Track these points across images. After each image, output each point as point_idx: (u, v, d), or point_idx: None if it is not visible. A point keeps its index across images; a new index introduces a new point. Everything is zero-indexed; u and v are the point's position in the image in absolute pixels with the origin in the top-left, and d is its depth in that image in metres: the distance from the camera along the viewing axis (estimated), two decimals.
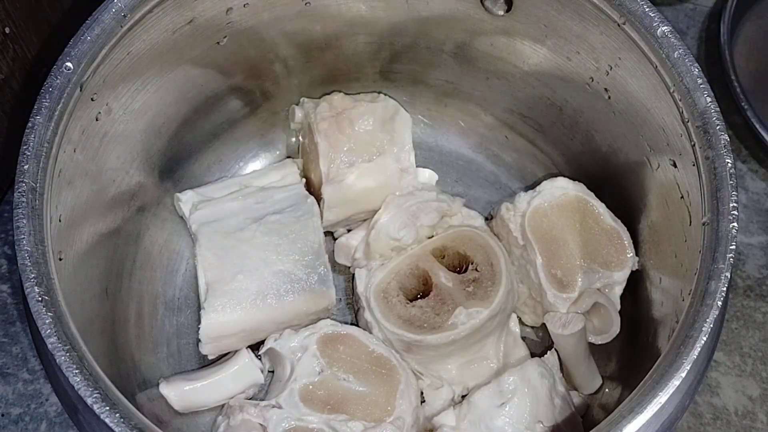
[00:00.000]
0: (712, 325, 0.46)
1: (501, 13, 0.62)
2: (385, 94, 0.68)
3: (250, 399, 0.62)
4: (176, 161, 0.68)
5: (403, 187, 0.66)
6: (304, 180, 0.68)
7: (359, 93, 0.70)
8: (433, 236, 0.65)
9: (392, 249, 0.63)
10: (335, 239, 0.68)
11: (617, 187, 0.65)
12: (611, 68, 0.59)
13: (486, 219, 0.70)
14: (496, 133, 0.73)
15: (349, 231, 0.68)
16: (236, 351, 0.63)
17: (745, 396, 0.68)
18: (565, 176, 0.65)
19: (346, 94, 0.68)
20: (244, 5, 0.61)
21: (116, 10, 0.53)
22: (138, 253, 0.66)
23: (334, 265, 0.68)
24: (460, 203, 0.66)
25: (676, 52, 0.53)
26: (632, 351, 0.62)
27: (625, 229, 0.63)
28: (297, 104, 0.70)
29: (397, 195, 0.65)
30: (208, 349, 0.62)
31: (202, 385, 0.61)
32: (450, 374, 0.62)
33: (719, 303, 0.47)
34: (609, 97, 0.61)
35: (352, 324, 0.65)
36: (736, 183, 0.50)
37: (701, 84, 0.52)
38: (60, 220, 0.52)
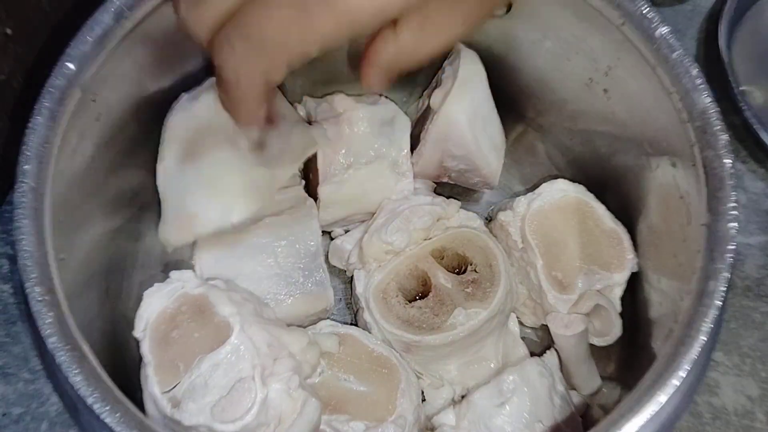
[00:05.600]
0: (711, 325, 0.46)
1: (500, 13, 0.62)
2: (386, 97, 0.69)
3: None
4: None
5: (399, 191, 0.66)
6: (303, 182, 0.69)
7: (361, 95, 0.70)
8: (428, 239, 0.65)
9: (386, 253, 0.64)
10: (332, 239, 0.68)
11: (617, 188, 0.65)
12: (610, 69, 0.59)
13: (485, 219, 0.70)
14: None
15: (346, 232, 0.69)
16: None
17: (744, 396, 0.68)
18: (564, 177, 0.65)
19: (348, 95, 0.68)
20: None
21: (117, 11, 0.53)
22: (139, 252, 0.66)
23: (333, 266, 0.68)
24: (456, 206, 0.66)
25: (675, 53, 0.53)
26: (631, 351, 0.62)
27: (625, 230, 0.63)
28: (299, 103, 0.70)
29: (392, 200, 0.65)
30: None
31: None
32: (450, 375, 0.62)
33: (718, 303, 0.47)
34: (608, 98, 0.61)
35: (351, 325, 0.65)
36: (735, 183, 0.50)
37: (700, 84, 0.52)
38: (61, 220, 0.52)
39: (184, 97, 0.63)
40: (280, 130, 0.64)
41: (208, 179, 0.59)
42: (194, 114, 0.61)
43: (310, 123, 0.68)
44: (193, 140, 0.61)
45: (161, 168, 0.61)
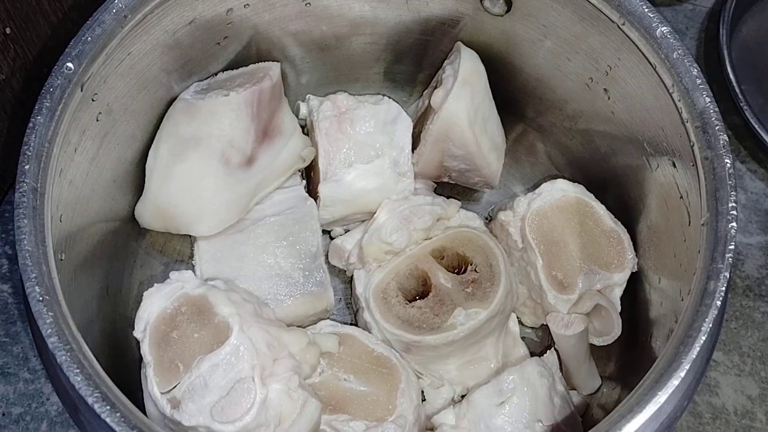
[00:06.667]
0: (711, 325, 0.46)
1: (501, 13, 0.62)
2: (389, 97, 0.69)
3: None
4: None
5: (399, 191, 0.66)
6: (304, 182, 0.69)
7: (364, 94, 0.70)
8: (428, 239, 0.65)
9: (386, 253, 0.63)
10: (332, 239, 0.68)
11: (617, 188, 0.65)
12: (610, 68, 0.59)
13: (486, 219, 0.70)
14: None
15: (346, 231, 0.68)
16: None
17: (744, 395, 0.68)
18: (564, 177, 0.65)
19: (350, 94, 0.68)
20: (245, 6, 0.61)
21: (117, 11, 0.53)
22: (138, 252, 0.66)
23: (333, 266, 0.68)
24: (456, 206, 0.66)
25: (675, 53, 0.53)
26: (631, 351, 0.62)
27: (625, 230, 0.63)
28: (303, 101, 0.70)
29: (392, 200, 0.65)
30: None
31: None
32: (450, 374, 0.62)
33: (718, 303, 0.47)
34: (608, 98, 0.61)
35: (351, 325, 0.65)
36: (735, 183, 0.50)
37: (700, 84, 0.52)
38: (61, 220, 0.52)
39: (193, 87, 0.64)
40: (273, 146, 0.64)
41: (194, 186, 0.61)
42: (197, 112, 0.61)
43: (311, 122, 0.68)
44: (189, 141, 0.61)
45: (153, 155, 0.62)
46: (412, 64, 0.71)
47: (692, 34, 0.84)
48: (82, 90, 0.53)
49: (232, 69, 0.66)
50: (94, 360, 0.46)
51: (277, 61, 0.67)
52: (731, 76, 0.76)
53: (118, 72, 0.56)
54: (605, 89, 0.61)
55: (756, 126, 0.74)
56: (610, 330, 0.62)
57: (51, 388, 0.65)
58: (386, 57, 0.70)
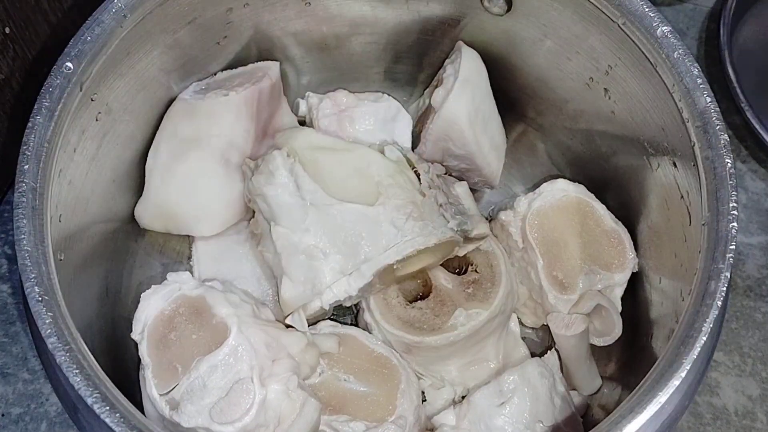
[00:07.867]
0: (711, 325, 0.46)
1: (501, 13, 0.62)
2: (389, 95, 0.68)
3: None
4: None
5: None
6: None
7: (363, 92, 0.70)
8: None
9: None
10: None
11: (617, 188, 0.65)
12: (611, 68, 0.59)
13: (486, 219, 0.70)
14: None
15: None
16: None
17: (745, 396, 0.68)
18: (565, 177, 0.65)
19: (350, 92, 0.68)
20: (245, 6, 0.61)
21: (117, 11, 0.53)
22: (138, 253, 0.66)
23: None
24: None
25: (676, 52, 0.53)
26: (632, 351, 0.62)
27: (626, 230, 0.63)
28: (303, 98, 0.70)
29: None
30: None
31: None
32: (450, 375, 0.62)
33: (719, 303, 0.47)
34: (609, 97, 0.61)
35: (351, 325, 0.65)
36: (736, 183, 0.50)
37: (701, 84, 0.52)
38: (60, 220, 0.52)
39: (192, 87, 0.64)
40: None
41: (194, 187, 0.61)
42: (197, 112, 0.61)
43: (311, 119, 0.68)
44: (189, 141, 0.61)
45: (153, 155, 0.62)
46: (412, 64, 0.71)
47: (693, 33, 0.84)
48: (81, 90, 0.53)
49: (232, 69, 0.66)
50: (94, 360, 0.46)
51: (277, 61, 0.67)
52: (732, 76, 0.76)
53: (117, 72, 0.56)
54: (605, 89, 0.61)
55: (756, 126, 0.74)
56: (611, 330, 0.62)
57: (50, 388, 0.65)
58: (386, 57, 0.70)
